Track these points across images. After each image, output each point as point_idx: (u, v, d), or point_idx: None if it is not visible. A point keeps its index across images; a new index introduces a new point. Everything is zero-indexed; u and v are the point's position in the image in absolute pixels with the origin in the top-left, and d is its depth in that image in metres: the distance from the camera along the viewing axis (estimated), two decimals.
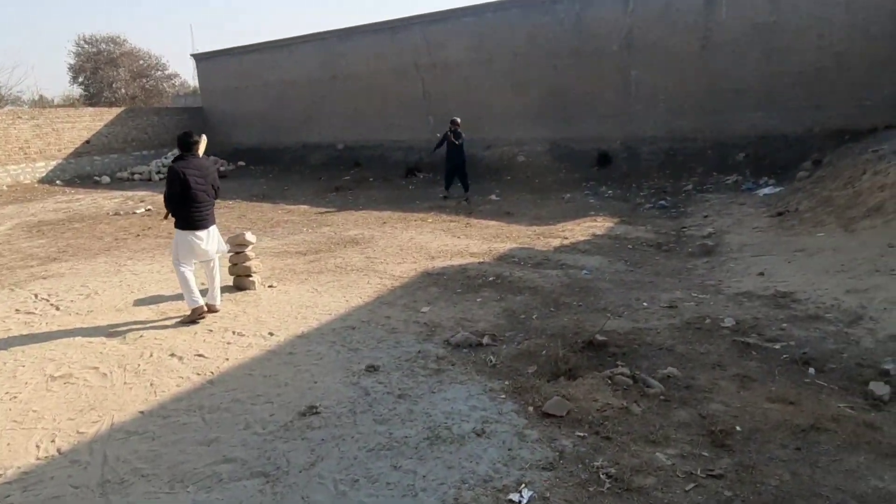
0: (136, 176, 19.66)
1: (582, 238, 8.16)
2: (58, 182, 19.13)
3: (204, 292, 5.80)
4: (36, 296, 6.57)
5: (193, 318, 5.52)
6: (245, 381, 4.23)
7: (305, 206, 12.30)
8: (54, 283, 7.10)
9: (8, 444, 3.48)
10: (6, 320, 5.78)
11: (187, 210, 5.40)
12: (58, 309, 6.09)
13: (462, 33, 16.70)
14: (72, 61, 36.04)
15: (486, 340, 4.84)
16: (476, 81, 16.64)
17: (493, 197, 11.89)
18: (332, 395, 3.95)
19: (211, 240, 5.65)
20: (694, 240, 7.78)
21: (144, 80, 38.31)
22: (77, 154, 20.42)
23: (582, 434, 3.36)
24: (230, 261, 6.59)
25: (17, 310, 6.11)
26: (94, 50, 36.29)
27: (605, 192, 11.75)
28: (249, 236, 6.52)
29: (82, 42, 35.93)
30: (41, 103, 37.32)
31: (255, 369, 4.44)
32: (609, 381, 3.93)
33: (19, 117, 19.22)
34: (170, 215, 5.52)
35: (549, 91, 15.37)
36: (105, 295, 6.51)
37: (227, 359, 4.65)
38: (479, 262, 7.16)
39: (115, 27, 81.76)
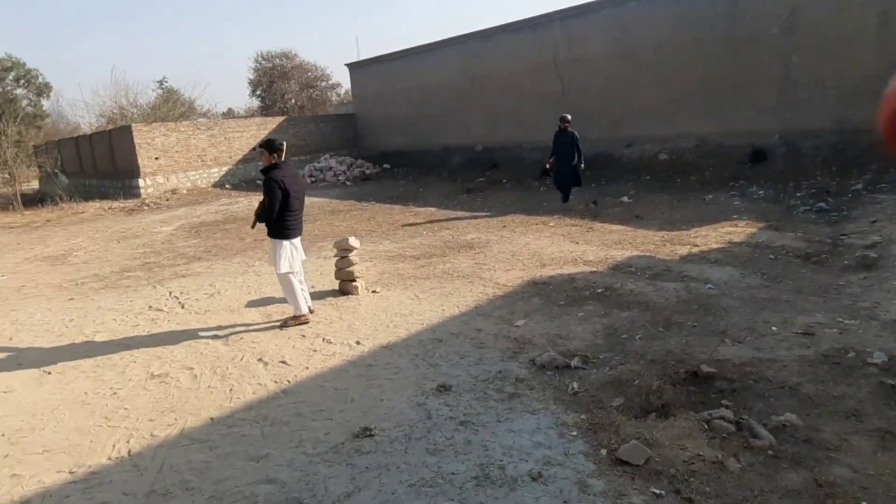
0: None
1: (715, 246, 7.20)
2: (227, 186, 21.32)
3: None
4: (170, 293, 7.23)
5: (301, 323, 5.68)
6: (314, 394, 4.20)
7: (433, 209, 12.38)
8: (189, 281, 7.78)
9: (91, 442, 3.75)
10: (138, 316, 6.41)
11: (289, 219, 5.51)
12: (182, 307, 6.63)
13: (603, 26, 15.81)
14: (251, 76, 40.18)
15: (575, 363, 4.37)
16: (617, 76, 15.66)
17: (625, 199, 11.03)
18: (393, 416, 3.76)
19: (301, 247, 5.77)
20: (853, 250, 6.49)
21: (311, 91, 41.53)
22: (244, 160, 22.60)
23: (658, 491, 2.83)
24: (335, 265, 6.72)
25: (150, 306, 6.75)
26: (270, 65, 40.06)
27: (754, 192, 10.35)
28: (353, 241, 6.59)
29: (260, 59, 39.88)
30: (228, 115, 42.17)
31: (329, 381, 4.41)
32: (706, 426, 3.31)
33: (198, 129, 21.71)
34: (256, 224, 5.62)
35: (697, 82, 13.97)
36: (226, 295, 6.97)
37: (308, 367, 4.67)
38: (590, 272, 6.60)
39: (288, 42, 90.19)
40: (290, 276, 5.62)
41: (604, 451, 3.17)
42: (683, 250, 7.17)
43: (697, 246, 7.29)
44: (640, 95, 15.18)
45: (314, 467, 3.24)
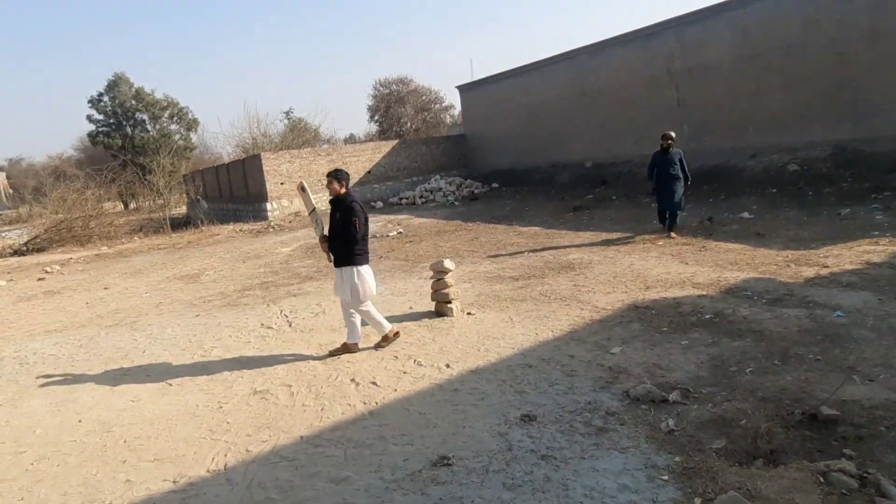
0: (404, 200, 21.95)
1: (849, 267, 6.41)
2: None
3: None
4: (281, 311, 7.64)
5: (392, 338, 5.78)
6: (399, 417, 4.21)
7: (537, 228, 12.18)
8: (299, 301, 8.19)
9: (195, 453, 4.01)
10: (251, 333, 6.82)
11: (364, 245, 5.58)
12: (290, 325, 6.97)
13: (722, 30, 14.88)
14: (370, 102, 42.18)
15: (673, 397, 4.04)
16: (739, 82, 14.64)
17: (746, 214, 10.18)
18: (473, 445, 3.67)
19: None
20: None
21: (426, 114, 42.83)
22: (360, 183, 23.64)
23: None
24: (431, 287, 6.77)
25: (262, 324, 7.17)
26: (387, 91, 41.85)
27: None
28: (448, 263, 6.61)
29: (378, 85, 41.81)
30: (350, 140, 44.55)
31: (414, 404, 4.40)
32: (822, 479, 2.90)
33: (318, 155, 23.06)
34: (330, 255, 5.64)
35: (834, 85, 12.69)
36: (330, 314, 7.25)
37: (396, 389, 4.71)
38: (698, 295, 6.13)
39: (406, 68, 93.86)
40: (368, 306, 5.63)
41: (698, 501, 2.87)
42: (810, 272, 6.46)
43: (827, 267, 6.54)
44: (766, 102, 14.07)
45: (389, 494, 3.23)
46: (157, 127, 44.28)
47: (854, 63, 12.30)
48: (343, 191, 5.58)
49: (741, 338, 4.92)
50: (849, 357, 4.29)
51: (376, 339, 5.89)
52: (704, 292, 6.24)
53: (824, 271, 6.41)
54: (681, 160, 9.38)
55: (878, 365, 4.09)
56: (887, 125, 11.82)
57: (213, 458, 3.88)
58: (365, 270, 5.56)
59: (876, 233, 7.74)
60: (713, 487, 2.95)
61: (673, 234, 9.36)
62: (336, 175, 5.60)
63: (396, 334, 5.82)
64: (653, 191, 9.87)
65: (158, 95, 44.15)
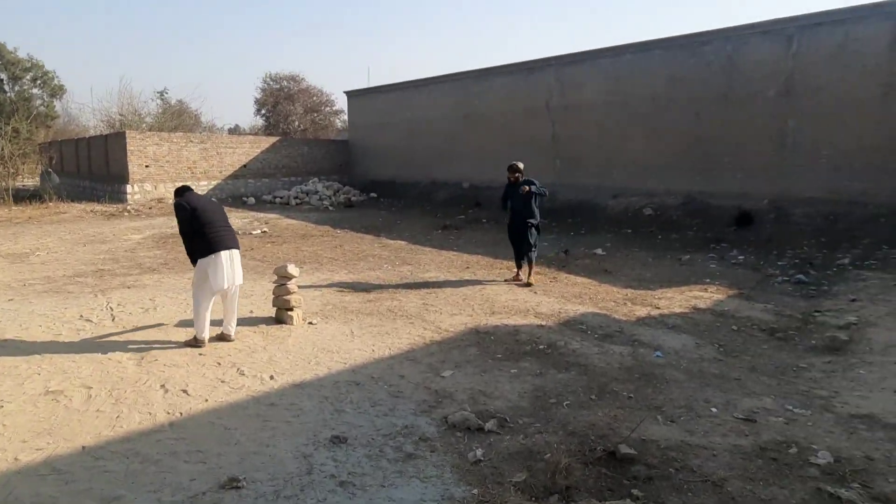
0: (277, 199, 21.00)
1: (678, 310, 6.80)
2: (213, 199, 20.97)
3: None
4: (107, 304, 6.89)
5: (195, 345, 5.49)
6: (201, 430, 3.78)
7: (403, 242, 12.01)
8: (132, 293, 7.43)
9: None
10: (64, 325, 6.06)
11: (202, 239, 5.53)
12: (112, 319, 6.27)
13: (597, 74, 15.74)
14: (258, 95, 40.32)
15: (489, 426, 3.93)
16: (609, 125, 15.52)
17: (599, 251, 10.67)
18: (271, 467, 3.33)
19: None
20: (824, 329, 6.08)
21: (315, 115, 41.65)
22: (234, 176, 22.33)
23: None
24: (273, 292, 6.33)
25: (81, 315, 6.43)
26: (277, 86, 40.26)
27: (734, 256, 9.98)
28: (292, 268, 6.21)
29: (268, 79, 40.10)
30: (235, 132, 42.21)
31: (223, 417, 3.98)
32: None
33: (191, 141, 21.50)
34: None
35: (689, 139, 13.80)
36: (161, 311, 6.60)
37: (207, 400, 4.26)
38: (538, 325, 6.19)
39: (299, 65, 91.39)
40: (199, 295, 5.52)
41: None
42: (642, 311, 6.77)
43: (659, 308, 6.89)
44: (631, 147, 15.00)
45: None
46: (17, 89, 39.31)
47: (707, 121, 13.44)
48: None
49: (567, 370, 4.96)
50: (658, 397, 4.42)
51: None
52: (544, 322, 6.31)
53: (655, 312, 6.74)
54: (531, 193, 8.11)
55: (682, 406, 4.24)
56: (731, 182, 13.00)
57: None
58: (201, 262, 5.43)
59: (708, 280, 8.34)
60: None
61: (520, 276, 8.34)
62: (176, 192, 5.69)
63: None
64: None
65: (21, 55, 39.33)
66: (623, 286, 8.06)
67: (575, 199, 15.62)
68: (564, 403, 4.31)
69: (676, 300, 7.26)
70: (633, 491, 3.14)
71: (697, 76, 13.64)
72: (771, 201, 12.29)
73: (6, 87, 38.83)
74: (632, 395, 4.45)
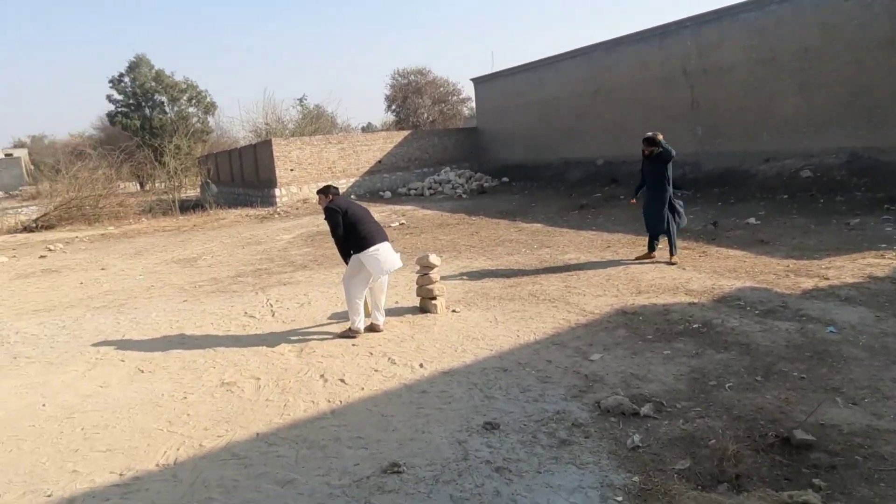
0: (412, 191, 21.80)
1: (850, 280, 6.15)
2: (352, 196, 22.28)
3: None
4: (267, 300, 7.55)
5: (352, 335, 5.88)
6: (359, 417, 4.08)
7: (539, 225, 11.96)
8: (288, 290, 8.09)
9: (148, 445, 3.92)
10: (232, 322, 6.73)
11: (356, 238, 5.82)
12: (273, 315, 6.87)
13: (739, 31, 14.48)
14: (387, 92, 41.98)
15: (645, 410, 3.85)
16: (754, 85, 14.25)
17: (752, 220, 9.88)
18: (428, 453, 3.52)
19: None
20: None
21: (443, 105, 42.51)
22: (370, 172, 23.52)
23: None
24: (416, 282, 6.62)
25: (245, 312, 7.08)
26: (405, 81, 41.58)
27: None
28: (433, 258, 6.46)
29: (396, 75, 41.56)
30: (368, 129, 44.38)
31: (378, 404, 4.27)
32: None
33: (329, 142, 22.95)
34: None
35: (851, 91, 12.28)
36: (315, 305, 7.15)
37: (363, 388, 4.57)
38: (689, 303, 5.91)
39: (425, 59, 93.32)
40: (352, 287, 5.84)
41: None
42: (808, 283, 6.21)
43: (827, 279, 6.28)
44: (782, 106, 13.68)
45: (333, 500, 3.09)
46: (176, 109, 44.50)
47: (872, 70, 11.88)
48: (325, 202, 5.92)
49: (726, 350, 4.71)
50: (835, 377, 4.07)
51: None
52: (696, 300, 6.02)
53: (823, 283, 6.15)
54: (665, 166, 7.64)
55: (865, 387, 3.87)
56: None
57: (165, 452, 3.78)
58: (355, 257, 5.74)
59: (883, 245, 7.44)
60: None
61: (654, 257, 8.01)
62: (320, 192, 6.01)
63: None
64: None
65: (178, 78, 44.39)
66: (783, 257, 7.43)
67: (720, 168, 14.58)
68: (726, 386, 4.11)
69: (847, 269, 6.57)
70: (814, 480, 2.93)
71: (857, 22, 12.06)
72: None
73: (167, 109, 44.06)
74: (804, 376, 4.13)
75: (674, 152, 7.67)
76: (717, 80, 15.14)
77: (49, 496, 3.35)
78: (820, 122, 12.89)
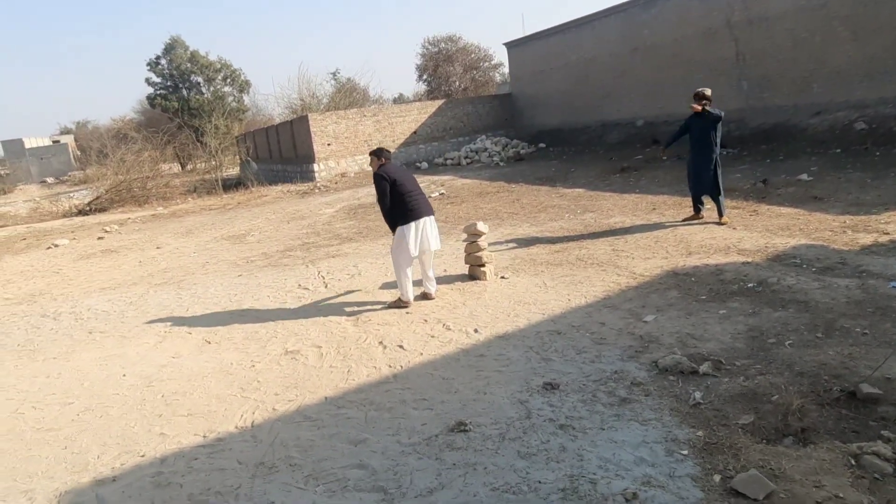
0: (448, 161, 21.77)
1: None
2: (403, 166, 22.35)
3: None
4: (318, 272, 7.77)
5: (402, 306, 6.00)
6: (422, 381, 4.23)
7: (581, 190, 11.88)
8: (337, 262, 8.30)
9: (225, 409, 4.16)
10: (288, 294, 6.97)
11: (402, 207, 5.87)
12: (326, 286, 7.08)
13: None
14: (418, 62, 41.61)
15: (704, 368, 3.89)
16: (803, 35, 13.65)
17: (804, 176, 9.60)
18: (492, 412, 3.65)
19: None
20: None
21: (475, 72, 41.92)
22: (406, 143, 23.54)
23: None
24: (465, 250, 6.72)
25: (299, 284, 7.31)
26: (436, 49, 41.08)
27: None
28: (481, 226, 6.53)
29: (427, 44, 41.11)
30: (400, 100, 44.22)
31: (438, 368, 4.41)
32: (853, 461, 2.75)
33: (364, 116, 23.02)
34: None
35: None
36: (365, 276, 7.34)
37: (422, 353, 4.72)
38: (743, 263, 5.86)
39: (455, 26, 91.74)
40: (401, 261, 5.91)
41: (717, 478, 2.78)
42: (868, 239, 6.06)
43: (888, 234, 6.12)
44: (834, 55, 13.10)
45: (405, 458, 3.26)
46: (212, 89, 45.06)
47: None
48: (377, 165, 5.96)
49: (784, 308, 4.69)
50: None
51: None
52: (750, 259, 5.96)
53: (883, 238, 6.00)
54: (715, 127, 7.47)
55: None
56: None
57: (242, 416, 4.01)
58: (400, 230, 5.78)
59: None
60: (734, 465, 2.84)
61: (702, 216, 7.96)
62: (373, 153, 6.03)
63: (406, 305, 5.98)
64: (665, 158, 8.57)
65: (212, 58, 44.86)
66: (839, 213, 7.25)
67: (767, 124, 14.13)
68: (786, 343, 4.10)
69: None
70: (882, 432, 2.95)
71: None
72: None
73: (203, 90, 44.67)
74: (866, 332, 4.09)
75: (722, 114, 7.50)
76: (764, 31, 14.55)
77: (142, 456, 3.62)
78: (874, 71, 12.31)
